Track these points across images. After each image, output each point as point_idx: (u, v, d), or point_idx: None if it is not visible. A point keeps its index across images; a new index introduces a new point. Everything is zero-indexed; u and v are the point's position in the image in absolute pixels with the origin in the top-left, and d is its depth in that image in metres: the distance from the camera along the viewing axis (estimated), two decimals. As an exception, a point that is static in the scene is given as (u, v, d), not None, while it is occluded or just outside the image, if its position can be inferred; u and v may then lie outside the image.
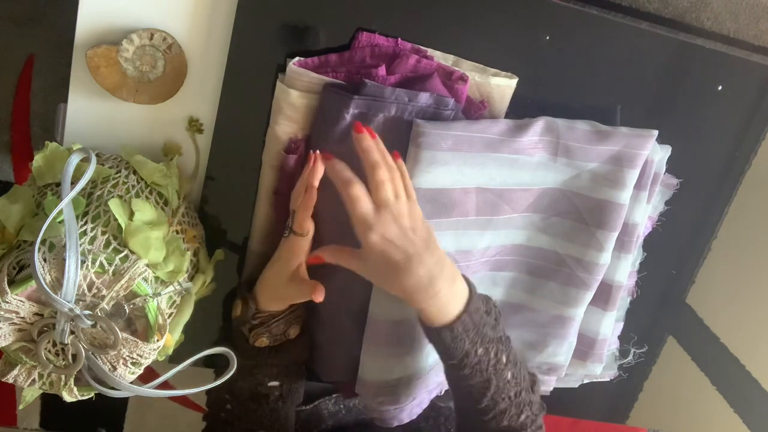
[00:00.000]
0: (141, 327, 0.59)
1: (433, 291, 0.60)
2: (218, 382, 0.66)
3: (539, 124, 0.71)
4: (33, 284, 0.55)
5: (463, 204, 0.72)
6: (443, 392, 0.85)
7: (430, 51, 0.70)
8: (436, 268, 0.59)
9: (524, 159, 0.72)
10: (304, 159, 0.70)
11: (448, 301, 0.61)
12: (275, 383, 0.73)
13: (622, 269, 0.81)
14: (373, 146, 0.59)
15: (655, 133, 0.74)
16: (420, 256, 0.59)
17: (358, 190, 0.58)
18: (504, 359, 0.65)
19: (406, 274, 0.59)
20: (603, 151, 0.73)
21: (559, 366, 0.84)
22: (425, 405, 0.82)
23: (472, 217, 0.73)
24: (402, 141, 0.68)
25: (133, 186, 0.64)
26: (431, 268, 0.59)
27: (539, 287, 0.80)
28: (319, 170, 0.63)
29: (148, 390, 0.60)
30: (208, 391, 0.75)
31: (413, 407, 0.80)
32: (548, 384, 0.86)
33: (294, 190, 0.69)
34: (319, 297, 0.64)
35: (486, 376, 0.64)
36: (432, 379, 0.80)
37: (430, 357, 0.79)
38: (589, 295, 0.79)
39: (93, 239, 0.59)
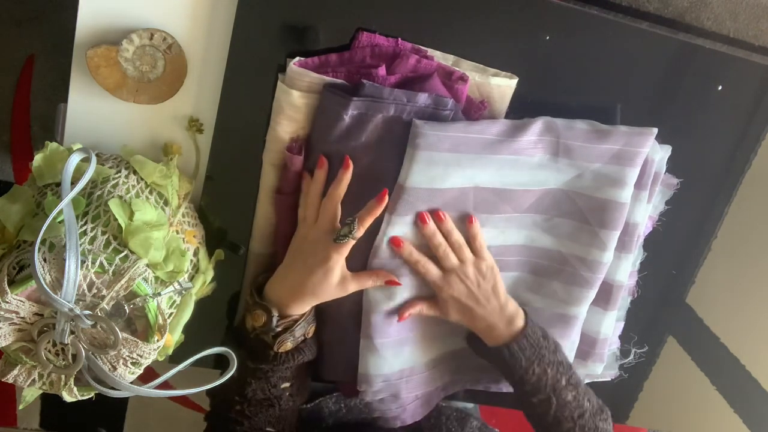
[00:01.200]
0: (141, 327, 0.59)
1: (492, 331, 0.74)
2: (218, 383, 0.66)
3: (538, 125, 0.71)
4: (33, 284, 0.55)
5: (462, 203, 0.72)
6: (450, 393, 0.85)
7: (430, 51, 0.70)
8: (494, 314, 0.74)
9: (524, 159, 0.72)
10: (305, 159, 0.70)
11: (503, 332, 0.74)
12: (287, 384, 0.73)
13: (623, 269, 0.81)
14: (435, 232, 0.71)
15: (655, 131, 0.74)
16: (483, 308, 0.73)
17: (424, 266, 0.72)
18: (564, 381, 0.75)
19: (471, 322, 0.74)
20: (604, 150, 0.73)
21: None
22: (430, 407, 0.82)
23: (470, 215, 0.73)
24: (401, 141, 0.68)
25: (133, 186, 0.64)
26: (491, 316, 0.74)
27: (543, 286, 0.80)
28: (349, 175, 0.69)
29: (148, 390, 0.60)
30: (212, 392, 0.75)
31: (416, 407, 0.80)
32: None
33: (306, 198, 0.70)
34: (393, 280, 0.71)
35: (546, 394, 0.74)
36: (435, 378, 0.80)
37: (433, 353, 0.79)
38: (592, 294, 0.79)
39: (93, 239, 0.59)
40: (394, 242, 0.70)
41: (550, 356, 0.74)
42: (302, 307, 0.70)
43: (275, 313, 0.69)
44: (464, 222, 0.73)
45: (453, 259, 0.72)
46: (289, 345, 0.70)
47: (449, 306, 0.73)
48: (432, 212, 0.71)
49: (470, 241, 0.73)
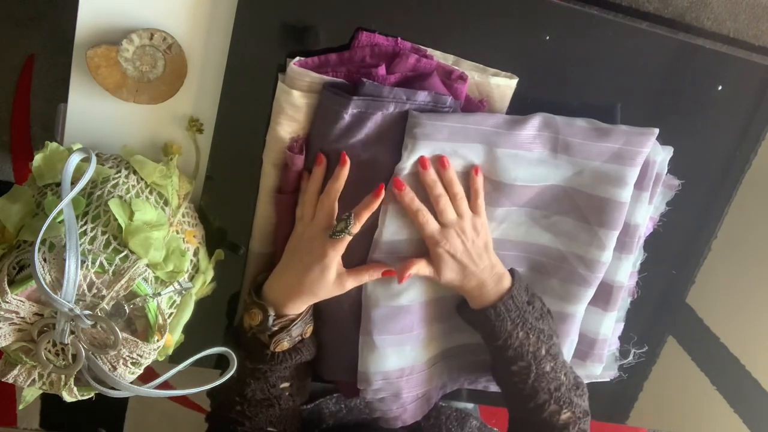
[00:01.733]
0: (141, 327, 0.59)
1: (481, 289, 0.73)
2: (218, 383, 0.66)
3: (537, 120, 0.71)
4: (33, 284, 0.55)
5: None
6: (448, 391, 0.85)
7: (429, 50, 0.70)
8: (486, 271, 0.72)
9: (522, 154, 0.72)
10: (306, 158, 0.70)
11: (491, 291, 0.73)
12: (286, 384, 0.73)
13: (623, 270, 0.81)
14: (436, 181, 0.69)
15: (656, 131, 0.74)
16: (476, 265, 0.72)
17: (424, 216, 0.69)
18: (543, 351, 0.74)
19: (463, 281, 0.72)
20: (603, 148, 0.73)
21: None
22: (430, 406, 0.82)
23: None
24: (401, 138, 0.68)
25: (133, 186, 0.64)
26: (482, 273, 0.72)
27: (540, 283, 0.81)
28: (346, 172, 0.68)
29: (148, 390, 0.60)
30: (213, 393, 0.75)
31: (416, 407, 0.80)
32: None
33: (304, 195, 0.70)
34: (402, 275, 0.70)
35: (527, 362, 0.73)
36: (434, 376, 0.80)
37: (433, 351, 0.79)
38: (590, 293, 0.79)
39: (93, 239, 0.59)
40: (396, 184, 0.68)
41: (533, 321, 0.73)
42: (299, 306, 0.70)
43: (271, 312, 0.69)
44: (467, 179, 0.72)
45: (451, 214, 0.70)
46: (285, 345, 0.70)
47: (443, 262, 0.71)
48: (435, 159, 0.69)
49: (471, 196, 0.71)
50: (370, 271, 0.70)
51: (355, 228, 0.67)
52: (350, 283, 0.70)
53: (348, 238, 0.67)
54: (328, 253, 0.67)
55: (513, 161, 0.72)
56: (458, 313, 0.78)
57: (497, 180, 0.72)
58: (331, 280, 0.68)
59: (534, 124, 0.71)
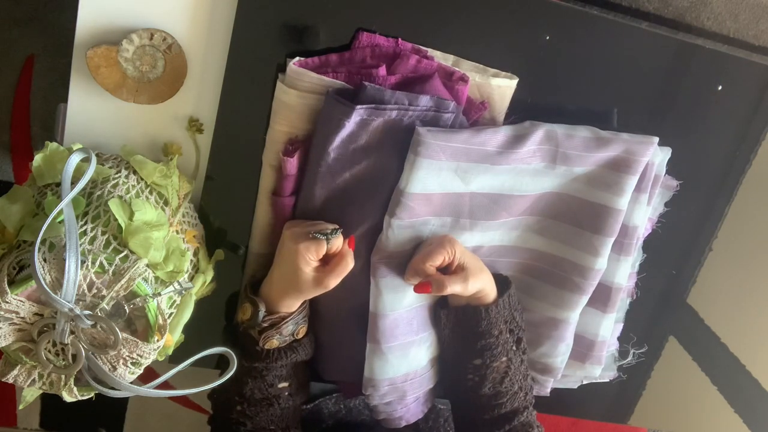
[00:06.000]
0: (141, 327, 0.59)
1: (483, 295, 0.73)
2: (218, 383, 0.66)
3: (538, 134, 0.71)
4: (33, 284, 0.55)
5: (458, 207, 0.72)
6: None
7: (430, 51, 0.70)
8: (488, 283, 0.73)
9: (522, 168, 0.72)
10: (304, 160, 0.70)
11: (489, 295, 0.74)
12: (285, 384, 0.73)
13: (622, 271, 0.81)
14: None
15: (656, 140, 0.74)
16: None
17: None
18: (523, 345, 0.76)
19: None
20: (603, 157, 0.73)
21: (554, 368, 0.83)
22: (431, 403, 0.82)
23: (464, 219, 0.73)
24: (401, 144, 0.68)
25: (133, 186, 0.64)
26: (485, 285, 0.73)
27: (534, 288, 0.81)
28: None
29: (148, 390, 0.60)
30: (213, 394, 0.75)
31: (417, 406, 0.80)
32: (545, 385, 0.86)
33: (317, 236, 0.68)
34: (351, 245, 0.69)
35: (509, 357, 0.74)
36: (435, 375, 0.80)
37: (434, 352, 0.79)
38: (584, 299, 0.79)
39: (93, 239, 0.59)
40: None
41: (519, 319, 0.76)
42: (289, 304, 0.70)
43: (262, 308, 0.69)
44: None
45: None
46: (275, 342, 0.70)
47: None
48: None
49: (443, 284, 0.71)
50: (343, 261, 0.68)
51: (334, 243, 0.67)
52: (332, 281, 0.68)
53: (323, 245, 0.66)
54: (300, 251, 0.66)
55: (512, 176, 0.72)
56: (443, 309, 0.76)
57: (496, 194, 0.72)
58: (309, 278, 0.67)
59: (535, 139, 0.71)
